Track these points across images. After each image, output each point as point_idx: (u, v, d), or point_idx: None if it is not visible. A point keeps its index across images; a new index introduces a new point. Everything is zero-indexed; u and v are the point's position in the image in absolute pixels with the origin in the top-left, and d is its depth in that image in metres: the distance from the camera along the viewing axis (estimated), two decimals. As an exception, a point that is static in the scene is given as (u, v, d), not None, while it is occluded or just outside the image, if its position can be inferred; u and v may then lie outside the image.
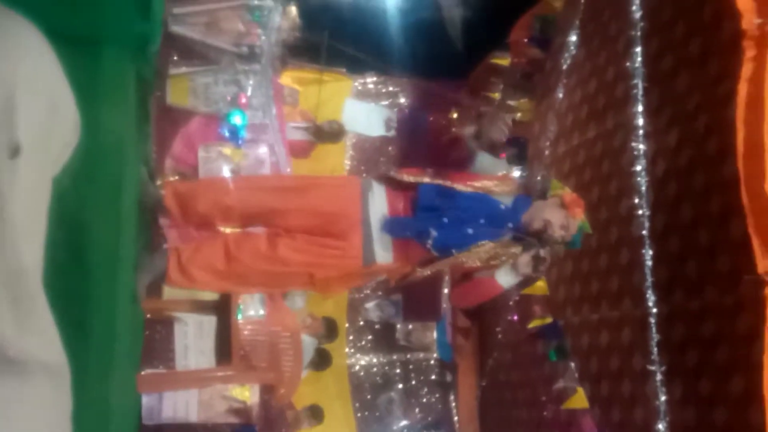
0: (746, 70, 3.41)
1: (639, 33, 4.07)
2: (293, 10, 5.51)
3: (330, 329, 6.48)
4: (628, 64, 4.20)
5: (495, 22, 6.26)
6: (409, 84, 7.56)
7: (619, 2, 4.28)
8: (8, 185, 0.94)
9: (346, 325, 7.33)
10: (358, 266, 4.13)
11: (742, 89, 3.39)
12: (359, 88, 7.49)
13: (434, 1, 6.50)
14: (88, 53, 3.25)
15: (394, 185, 4.16)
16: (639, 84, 4.09)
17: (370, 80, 7.53)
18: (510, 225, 3.95)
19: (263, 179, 4.65)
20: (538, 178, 4.27)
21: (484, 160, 4.22)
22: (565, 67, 4.87)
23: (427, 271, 4.12)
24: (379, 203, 4.11)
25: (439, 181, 4.02)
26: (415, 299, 7.23)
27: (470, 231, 3.93)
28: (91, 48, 3.31)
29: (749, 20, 3.46)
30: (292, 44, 5.72)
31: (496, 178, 4.16)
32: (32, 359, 0.95)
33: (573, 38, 4.82)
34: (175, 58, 4.98)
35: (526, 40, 5.87)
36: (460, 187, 4.01)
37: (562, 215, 3.86)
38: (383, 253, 4.08)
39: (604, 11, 4.71)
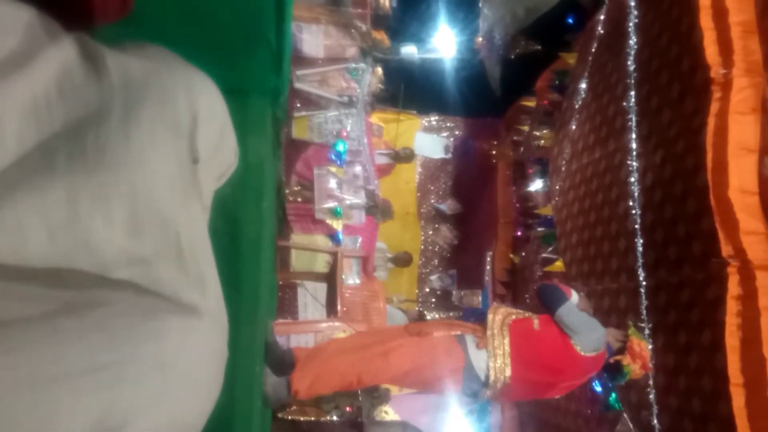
0: (714, 107, 3.31)
1: (632, 80, 3.97)
2: (379, 70, 5.56)
3: (407, 260, 6.91)
4: (624, 103, 4.10)
5: (524, 75, 6.19)
6: (461, 120, 7.56)
7: (618, 58, 4.17)
8: (192, 184, 0.96)
9: (416, 291, 7.36)
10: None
11: (711, 121, 3.30)
12: (426, 124, 7.52)
13: (479, 60, 6.46)
14: (239, 100, 3.33)
15: None
16: (633, 118, 3.98)
17: (434, 118, 7.55)
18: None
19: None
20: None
21: None
22: (577, 106, 4.78)
23: None
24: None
25: None
26: (466, 273, 7.20)
27: None
28: (241, 96, 3.39)
29: (716, 70, 3.36)
30: (378, 94, 5.78)
31: None
32: (202, 306, 0.94)
33: (583, 85, 4.71)
34: (298, 104, 5.07)
35: (547, 87, 5.79)
36: None
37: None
38: None
39: (607, 65, 4.60)
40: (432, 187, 7.60)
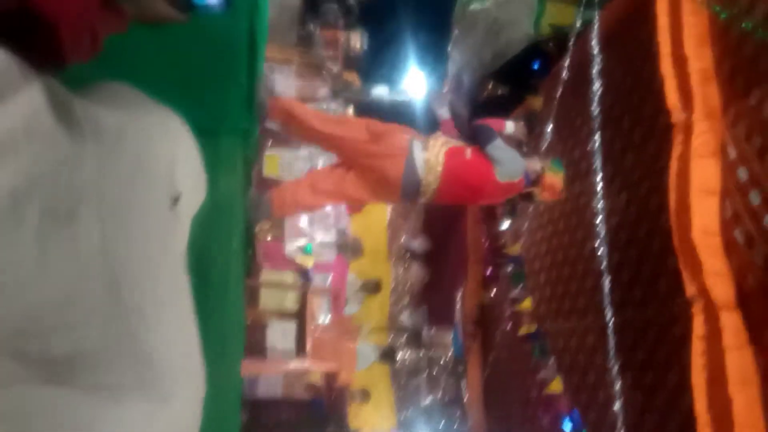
0: (676, 150, 3.39)
1: (596, 124, 4.07)
2: (351, 110, 5.62)
3: (375, 286, 6.83)
4: (588, 147, 4.19)
5: (492, 113, 6.28)
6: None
7: (582, 103, 4.28)
8: (171, 229, 0.95)
9: (387, 321, 7.34)
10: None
11: (674, 164, 3.37)
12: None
13: (448, 102, 6.55)
14: (210, 140, 3.32)
15: None
16: (597, 161, 4.07)
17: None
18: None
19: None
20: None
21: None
22: (543, 149, 4.87)
23: None
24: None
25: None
26: (437, 310, 7.19)
27: None
28: (212, 136, 3.39)
29: (677, 115, 3.46)
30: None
31: None
32: (171, 389, 0.92)
33: (549, 128, 4.82)
34: (270, 143, 5.08)
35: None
36: None
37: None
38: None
39: (572, 109, 4.72)
40: (403, 226, 7.63)
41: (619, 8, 4.26)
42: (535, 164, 3.74)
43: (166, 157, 0.94)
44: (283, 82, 4.82)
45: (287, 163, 5.08)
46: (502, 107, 6.02)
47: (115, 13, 1.27)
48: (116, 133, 0.87)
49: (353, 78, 5.71)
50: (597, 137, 3.96)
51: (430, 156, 3.59)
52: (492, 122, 3.83)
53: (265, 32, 4.57)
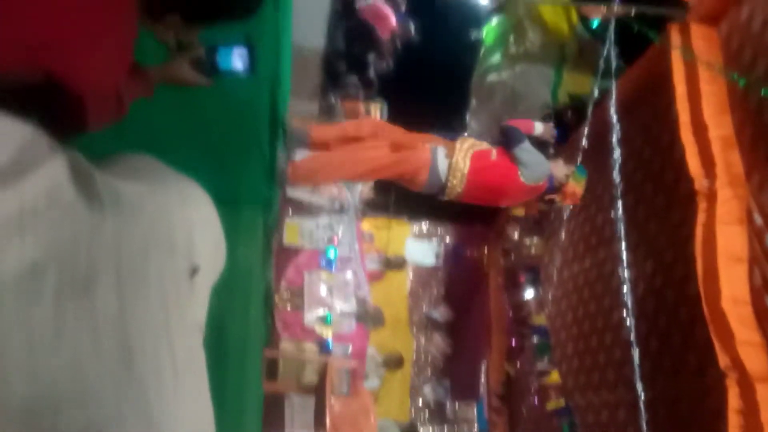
0: (700, 218, 3.36)
1: (619, 191, 4.06)
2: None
3: (398, 361, 6.62)
4: (612, 213, 4.17)
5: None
6: (451, 226, 7.65)
7: (603, 170, 4.29)
8: (189, 301, 0.95)
9: (408, 400, 7.14)
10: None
11: (699, 232, 3.33)
12: (416, 230, 7.59)
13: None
14: (231, 209, 3.38)
15: None
16: (621, 227, 4.04)
17: (424, 225, 7.63)
18: None
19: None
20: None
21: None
22: (565, 216, 4.85)
23: None
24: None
25: None
26: (460, 383, 7.01)
27: None
28: (233, 205, 3.44)
29: (700, 182, 3.44)
30: (369, 200, 5.87)
31: None
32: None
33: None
34: (290, 211, 5.13)
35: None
36: None
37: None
38: None
39: (592, 176, 4.72)
40: (424, 294, 7.56)
41: (636, 77, 4.33)
42: (561, 170, 3.83)
43: (184, 228, 0.95)
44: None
45: (308, 232, 5.12)
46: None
47: (142, 78, 1.31)
48: (135, 204, 0.89)
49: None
50: (619, 204, 3.94)
51: (455, 161, 3.76)
52: (520, 123, 3.95)
53: (287, 102, 4.71)
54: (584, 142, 4.32)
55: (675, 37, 3.72)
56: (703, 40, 3.64)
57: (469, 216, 7.18)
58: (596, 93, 4.29)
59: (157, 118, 2.10)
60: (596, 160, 4.46)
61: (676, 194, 3.74)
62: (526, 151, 3.72)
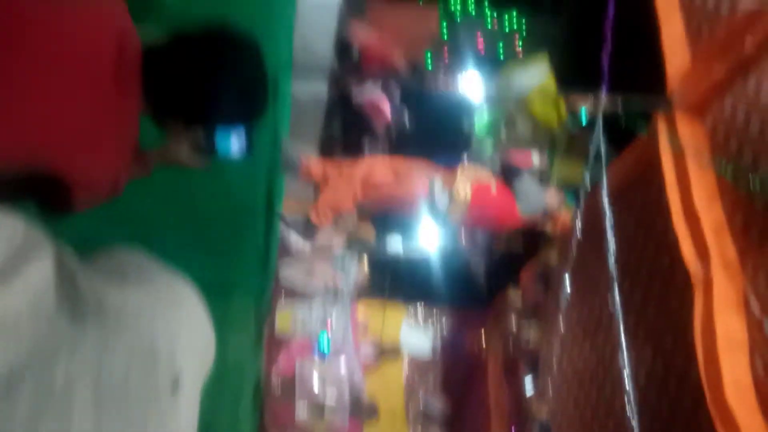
0: (698, 307, 3.34)
1: (615, 276, 4.05)
2: (365, 260, 5.68)
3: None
4: (609, 297, 4.13)
5: (508, 267, 6.32)
6: (447, 310, 7.58)
7: (599, 256, 4.29)
8: (171, 416, 0.91)
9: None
10: None
11: (697, 321, 3.30)
12: (412, 312, 7.53)
13: (462, 253, 6.63)
14: (223, 298, 3.34)
15: None
16: (619, 312, 4.00)
17: (420, 308, 7.57)
18: None
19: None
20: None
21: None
22: (563, 302, 4.82)
23: None
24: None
25: None
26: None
27: None
28: (225, 294, 3.41)
29: (694, 268, 3.44)
30: (364, 284, 5.84)
31: None
32: None
33: (567, 280, 4.80)
34: (282, 298, 5.10)
35: (532, 281, 5.89)
36: None
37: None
38: None
39: (587, 262, 4.73)
40: (420, 384, 7.38)
41: (627, 165, 4.41)
42: (554, 199, 4.10)
43: (169, 333, 0.93)
44: (298, 239, 4.92)
45: (300, 320, 5.06)
46: (518, 257, 6.06)
47: (141, 159, 1.32)
48: (119, 312, 0.87)
49: (368, 229, 5.83)
50: (616, 288, 3.93)
51: (456, 191, 4.02)
52: (519, 158, 4.23)
53: (282, 190, 4.76)
54: (578, 228, 4.35)
55: (662, 127, 3.82)
56: (689, 128, 3.74)
57: (465, 299, 7.13)
58: (587, 180, 4.37)
59: (150, 200, 2.10)
60: (591, 246, 4.47)
61: (673, 279, 3.74)
62: (525, 184, 4.05)
